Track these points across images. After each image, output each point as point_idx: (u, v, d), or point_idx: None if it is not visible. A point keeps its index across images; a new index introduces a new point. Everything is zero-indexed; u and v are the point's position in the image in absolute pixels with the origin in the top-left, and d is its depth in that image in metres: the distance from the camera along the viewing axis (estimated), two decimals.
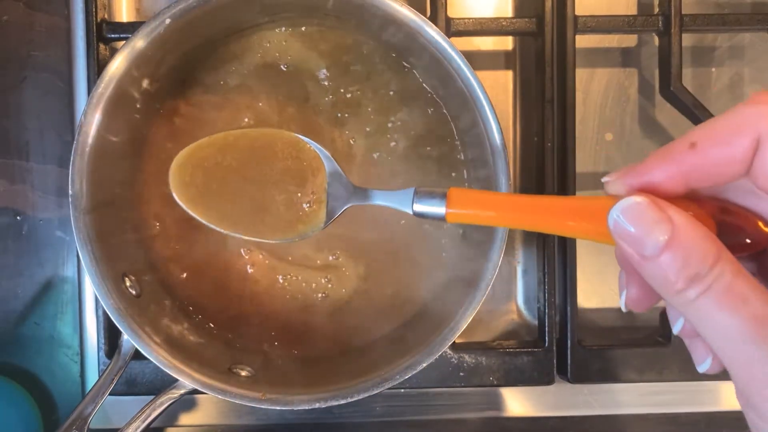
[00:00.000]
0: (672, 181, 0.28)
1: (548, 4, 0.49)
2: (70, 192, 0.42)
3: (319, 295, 0.49)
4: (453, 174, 0.49)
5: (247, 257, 0.49)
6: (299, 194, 0.40)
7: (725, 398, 0.53)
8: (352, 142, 0.49)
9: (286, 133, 0.41)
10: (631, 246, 0.27)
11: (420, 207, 0.35)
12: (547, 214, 0.31)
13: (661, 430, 0.53)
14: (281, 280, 0.49)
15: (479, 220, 0.34)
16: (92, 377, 0.52)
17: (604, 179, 0.30)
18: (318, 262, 0.49)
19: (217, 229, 0.40)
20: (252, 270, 0.49)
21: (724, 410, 0.53)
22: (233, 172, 0.40)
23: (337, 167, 0.40)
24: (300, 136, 0.41)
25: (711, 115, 0.49)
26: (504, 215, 0.33)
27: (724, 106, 0.54)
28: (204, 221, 0.40)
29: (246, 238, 0.40)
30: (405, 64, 0.49)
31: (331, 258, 0.49)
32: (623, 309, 0.31)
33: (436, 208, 0.34)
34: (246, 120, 0.48)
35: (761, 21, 0.51)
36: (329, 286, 0.49)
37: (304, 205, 0.40)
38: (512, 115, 0.53)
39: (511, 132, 0.53)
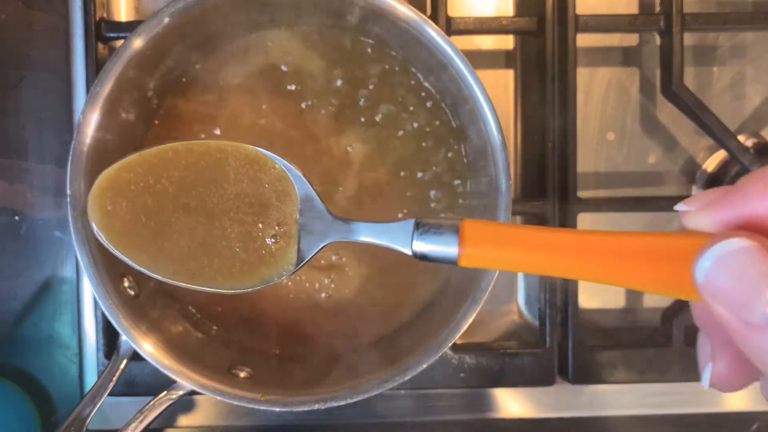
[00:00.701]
0: None
1: (549, 3, 0.49)
2: (68, 192, 0.42)
3: (323, 294, 0.49)
4: (452, 175, 0.49)
5: None
6: (260, 226, 0.32)
7: (727, 399, 0.53)
8: (349, 149, 0.48)
9: (242, 146, 0.33)
10: (729, 308, 0.19)
11: (422, 246, 0.27)
12: (601, 258, 0.23)
13: None
14: (285, 280, 0.49)
15: (505, 264, 0.25)
16: (91, 378, 0.52)
17: (678, 207, 0.22)
18: (322, 261, 0.49)
19: (153, 275, 0.32)
20: None
21: (726, 411, 0.53)
22: (169, 200, 0.32)
23: (311, 190, 0.32)
24: (261, 150, 0.32)
25: (713, 115, 0.49)
26: (539, 259, 0.24)
27: (725, 105, 0.54)
28: (133, 264, 0.32)
29: (191, 287, 0.32)
30: (405, 63, 0.48)
31: (334, 258, 0.49)
32: (705, 386, 0.24)
33: (445, 248, 0.26)
34: (246, 120, 0.48)
35: (763, 20, 0.50)
36: (332, 286, 0.49)
37: (268, 241, 0.32)
38: (513, 114, 0.53)
39: (512, 131, 0.53)
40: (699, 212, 0.22)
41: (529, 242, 0.24)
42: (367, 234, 0.30)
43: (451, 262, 0.26)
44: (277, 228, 0.32)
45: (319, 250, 0.32)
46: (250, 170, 0.32)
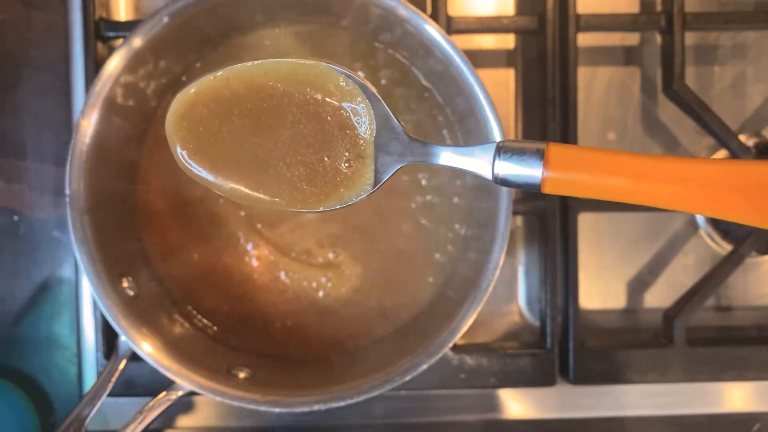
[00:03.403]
0: None
1: (550, 2, 0.49)
2: (66, 192, 0.42)
3: (320, 293, 0.49)
4: (452, 175, 0.48)
5: (254, 252, 0.49)
6: (338, 149, 0.31)
7: (728, 400, 0.53)
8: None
9: (313, 64, 0.30)
10: None
11: (504, 169, 0.25)
12: (698, 184, 0.21)
13: None
14: (283, 277, 0.49)
15: (593, 190, 0.24)
16: (90, 379, 0.52)
17: None
18: (320, 259, 0.49)
19: (238, 200, 0.32)
20: (257, 263, 0.49)
21: (727, 412, 0.53)
22: (248, 137, 0.31)
23: (388, 110, 0.30)
24: (335, 67, 0.30)
25: (714, 115, 0.49)
26: (632, 186, 0.23)
27: (727, 105, 0.54)
28: (218, 190, 0.31)
29: (281, 208, 0.32)
30: (405, 63, 0.48)
31: (331, 256, 0.49)
32: None
33: (528, 172, 0.24)
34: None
35: (764, 19, 0.50)
36: (329, 285, 0.49)
37: (343, 166, 0.31)
38: (513, 113, 0.53)
39: (513, 131, 0.53)
40: None
41: (623, 168, 0.23)
42: (446, 157, 0.29)
43: (534, 188, 0.25)
44: (352, 150, 0.30)
45: (396, 171, 0.30)
46: (325, 90, 0.30)
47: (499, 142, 0.26)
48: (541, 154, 0.24)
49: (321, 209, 0.31)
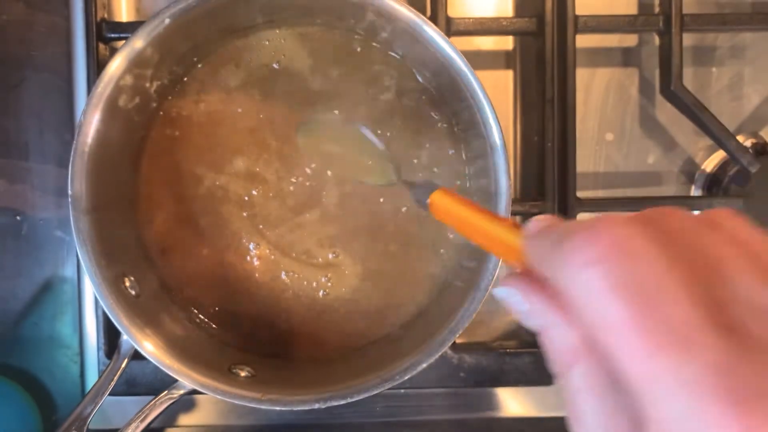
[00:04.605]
0: None
1: (548, 3, 0.49)
2: (69, 192, 0.42)
3: (321, 293, 0.49)
4: (452, 175, 0.49)
5: (255, 252, 0.49)
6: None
7: None
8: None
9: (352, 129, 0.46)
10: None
11: (415, 195, 0.37)
12: (481, 236, 0.30)
13: None
14: (283, 276, 0.49)
15: (457, 226, 0.34)
16: (92, 377, 0.52)
17: (495, 292, 0.27)
18: (320, 259, 0.49)
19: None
20: (258, 263, 0.49)
21: None
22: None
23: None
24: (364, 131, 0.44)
25: (712, 116, 0.49)
26: (474, 236, 0.32)
27: (724, 106, 0.54)
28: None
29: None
30: (404, 63, 0.48)
31: (331, 256, 0.49)
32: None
33: (424, 199, 0.36)
34: (245, 117, 0.48)
35: (762, 20, 0.50)
36: (329, 284, 0.49)
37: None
38: (512, 114, 0.53)
39: (512, 132, 0.53)
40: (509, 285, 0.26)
41: (452, 215, 0.33)
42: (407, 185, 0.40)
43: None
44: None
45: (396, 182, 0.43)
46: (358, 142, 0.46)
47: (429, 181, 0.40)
48: (430, 193, 0.35)
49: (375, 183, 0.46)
